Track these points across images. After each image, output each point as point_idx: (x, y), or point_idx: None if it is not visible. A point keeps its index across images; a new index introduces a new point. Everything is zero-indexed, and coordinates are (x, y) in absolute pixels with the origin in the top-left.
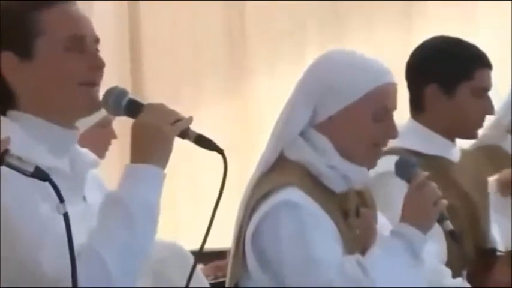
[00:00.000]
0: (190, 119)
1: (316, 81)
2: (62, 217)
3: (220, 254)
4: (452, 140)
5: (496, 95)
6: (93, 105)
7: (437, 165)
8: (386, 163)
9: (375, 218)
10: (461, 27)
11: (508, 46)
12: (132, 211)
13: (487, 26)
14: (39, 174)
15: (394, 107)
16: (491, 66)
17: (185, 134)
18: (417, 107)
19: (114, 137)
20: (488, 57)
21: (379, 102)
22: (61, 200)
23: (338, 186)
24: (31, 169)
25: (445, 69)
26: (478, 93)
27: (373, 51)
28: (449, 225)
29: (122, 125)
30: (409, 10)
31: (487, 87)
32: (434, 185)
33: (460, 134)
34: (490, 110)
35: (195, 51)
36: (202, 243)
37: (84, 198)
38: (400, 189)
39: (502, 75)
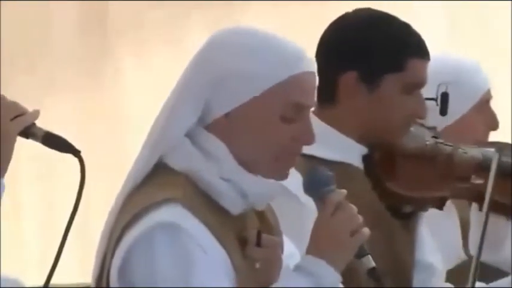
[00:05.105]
0: (36, 113)
1: (207, 70)
2: None
3: None
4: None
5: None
6: None
7: (343, 174)
8: None
9: (280, 246)
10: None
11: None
12: None
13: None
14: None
15: (312, 104)
16: (429, 56)
17: (29, 131)
18: (326, 98)
19: None
20: (425, 44)
21: (291, 97)
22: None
23: (234, 205)
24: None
25: (369, 53)
26: (408, 89)
27: (280, 30)
28: (370, 262)
29: None
30: None
31: (419, 83)
32: (353, 209)
33: (378, 138)
34: (420, 111)
35: (43, 37)
36: (48, 278)
37: None
38: (287, 212)
39: None
